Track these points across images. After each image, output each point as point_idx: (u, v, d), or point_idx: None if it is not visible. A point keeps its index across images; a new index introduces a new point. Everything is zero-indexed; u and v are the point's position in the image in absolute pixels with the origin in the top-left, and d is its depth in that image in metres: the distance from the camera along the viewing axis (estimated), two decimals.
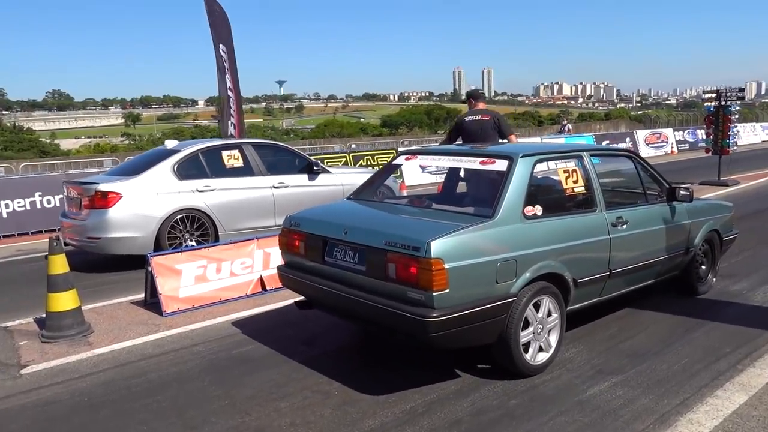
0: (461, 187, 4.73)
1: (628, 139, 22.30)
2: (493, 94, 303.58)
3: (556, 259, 3.62)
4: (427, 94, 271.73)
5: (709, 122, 12.82)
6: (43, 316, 4.53)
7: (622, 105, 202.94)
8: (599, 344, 4.09)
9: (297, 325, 4.59)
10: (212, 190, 6.90)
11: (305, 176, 7.71)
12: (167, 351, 4.19)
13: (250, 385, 3.59)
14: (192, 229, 6.73)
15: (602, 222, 4.00)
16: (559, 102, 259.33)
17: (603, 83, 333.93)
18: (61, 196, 8.96)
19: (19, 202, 9.44)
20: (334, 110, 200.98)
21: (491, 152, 4.03)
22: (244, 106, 11.02)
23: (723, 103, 12.48)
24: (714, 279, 5.26)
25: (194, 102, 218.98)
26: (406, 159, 4.64)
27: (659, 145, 23.21)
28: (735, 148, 13.06)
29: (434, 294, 3.07)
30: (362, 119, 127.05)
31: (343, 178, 7.94)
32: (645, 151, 21.67)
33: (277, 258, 4.90)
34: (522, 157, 3.73)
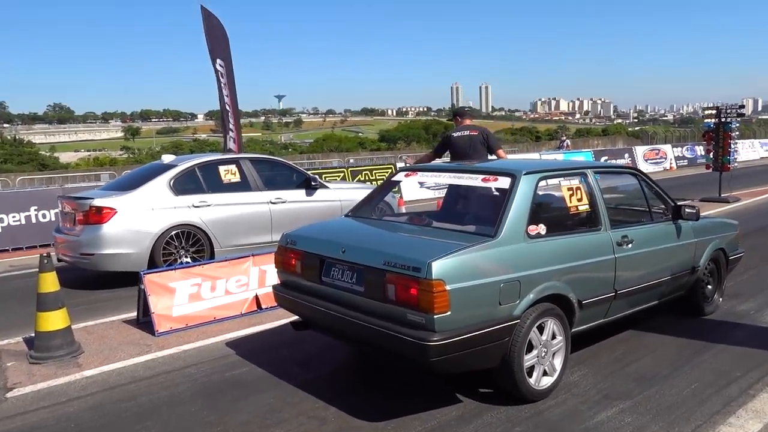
0: (463, 205, 4.63)
1: (626, 155, 22.27)
2: (490, 109, 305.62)
3: (561, 279, 3.51)
4: (425, 109, 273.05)
5: (709, 138, 12.79)
6: (33, 335, 4.40)
7: (619, 121, 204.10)
8: (605, 367, 3.97)
9: (292, 346, 4.46)
10: (208, 205, 6.80)
11: (303, 191, 7.62)
12: (158, 373, 4.05)
13: (244, 410, 3.46)
14: (187, 245, 6.61)
15: (607, 241, 3.90)
16: (557, 117, 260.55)
17: (600, 99, 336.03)
18: (56, 210, 8.84)
19: (14, 216, 9.30)
20: (332, 125, 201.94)
21: (493, 169, 3.94)
22: (243, 120, 10.93)
23: (723, 119, 12.46)
24: (720, 299, 5.14)
25: (194, 116, 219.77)
26: (406, 176, 4.54)
27: (658, 161, 23.18)
28: (735, 164, 13.02)
29: (435, 317, 2.96)
30: (360, 134, 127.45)
31: (341, 194, 7.85)
32: (644, 167, 21.59)
33: (273, 276, 4.78)
34: (525, 174, 3.64)
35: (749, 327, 4.74)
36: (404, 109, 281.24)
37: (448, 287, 2.98)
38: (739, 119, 12.77)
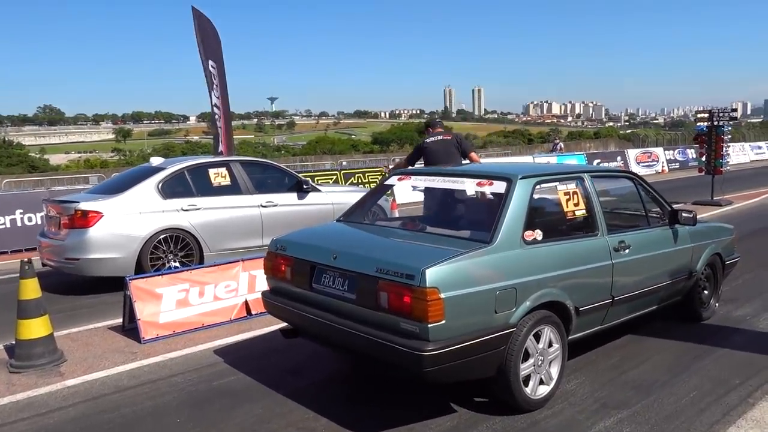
0: (457, 210, 4.54)
1: (619, 158, 22.31)
2: (483, 112, 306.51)
3: (557, 286, 3.43)
4: (418, 111, 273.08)
5: (702, 142, 12.79)
6: (13, 343, 4.26)
7: (611, 124, 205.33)
8: (602, 375, 3.88)
9: (282, 353, 4.35)
10: (198, 209, 6.67)
11: (294, 195, 7.51)
12: (143, 382, 3.93)
13: (232, 421, 3.35)
14: (176, 249, 6.48)
15: (604, 246, 3.82)
16: (549, 120, 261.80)
17: (592, 102, 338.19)
18: (43, 213, 8.68)
19: None
20: (325, 127, 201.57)
21: (489, 173, 3.85)
22: (235, 123, 10.81)
23: (716, 123, 12.47)
24: (717, 304, 5.08)
25: (186, 118, 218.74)
26: (399, 179, 4.44)
27: (650, 164, 23.24)
28: (727, 168, 13.03)
29: (429, 325, 2.86)
30: (353, 136, 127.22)
31: (333, 197, 7.75)
32: (636, 170, 21.65)
33: (263, 281, 4.67)
34: (521, 178, 3.55)
35: (746, 332, 4.68)
36: (397, 112, 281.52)
37: (442, 295, 2.88)
38: (731, 123, 12.79)
